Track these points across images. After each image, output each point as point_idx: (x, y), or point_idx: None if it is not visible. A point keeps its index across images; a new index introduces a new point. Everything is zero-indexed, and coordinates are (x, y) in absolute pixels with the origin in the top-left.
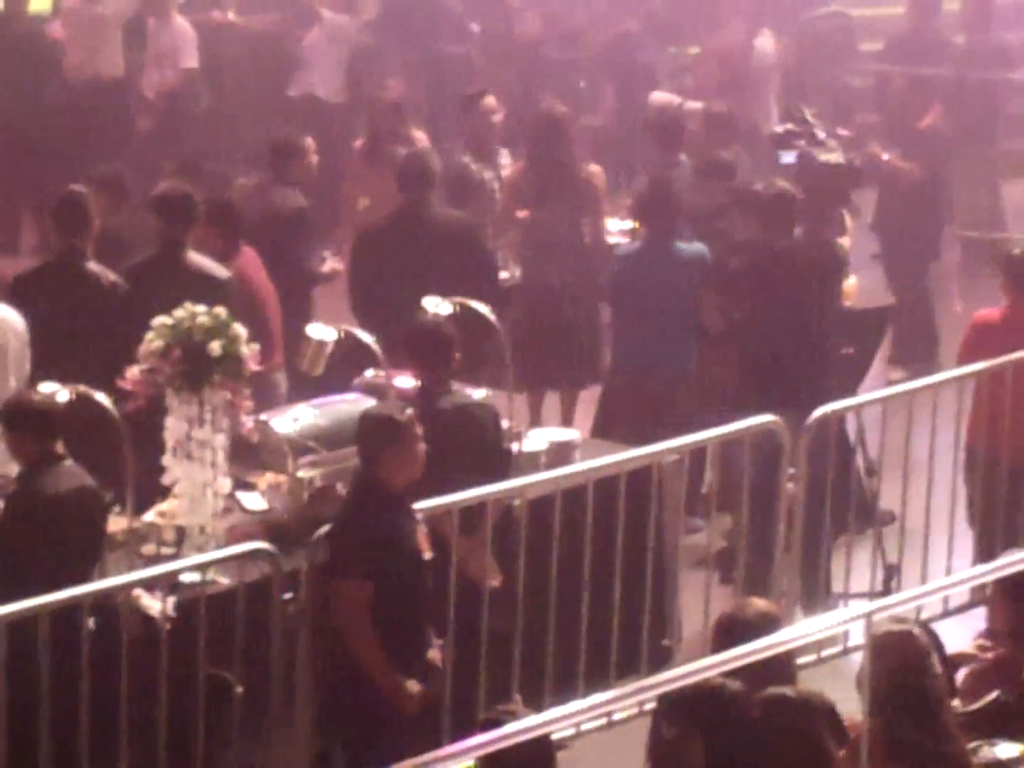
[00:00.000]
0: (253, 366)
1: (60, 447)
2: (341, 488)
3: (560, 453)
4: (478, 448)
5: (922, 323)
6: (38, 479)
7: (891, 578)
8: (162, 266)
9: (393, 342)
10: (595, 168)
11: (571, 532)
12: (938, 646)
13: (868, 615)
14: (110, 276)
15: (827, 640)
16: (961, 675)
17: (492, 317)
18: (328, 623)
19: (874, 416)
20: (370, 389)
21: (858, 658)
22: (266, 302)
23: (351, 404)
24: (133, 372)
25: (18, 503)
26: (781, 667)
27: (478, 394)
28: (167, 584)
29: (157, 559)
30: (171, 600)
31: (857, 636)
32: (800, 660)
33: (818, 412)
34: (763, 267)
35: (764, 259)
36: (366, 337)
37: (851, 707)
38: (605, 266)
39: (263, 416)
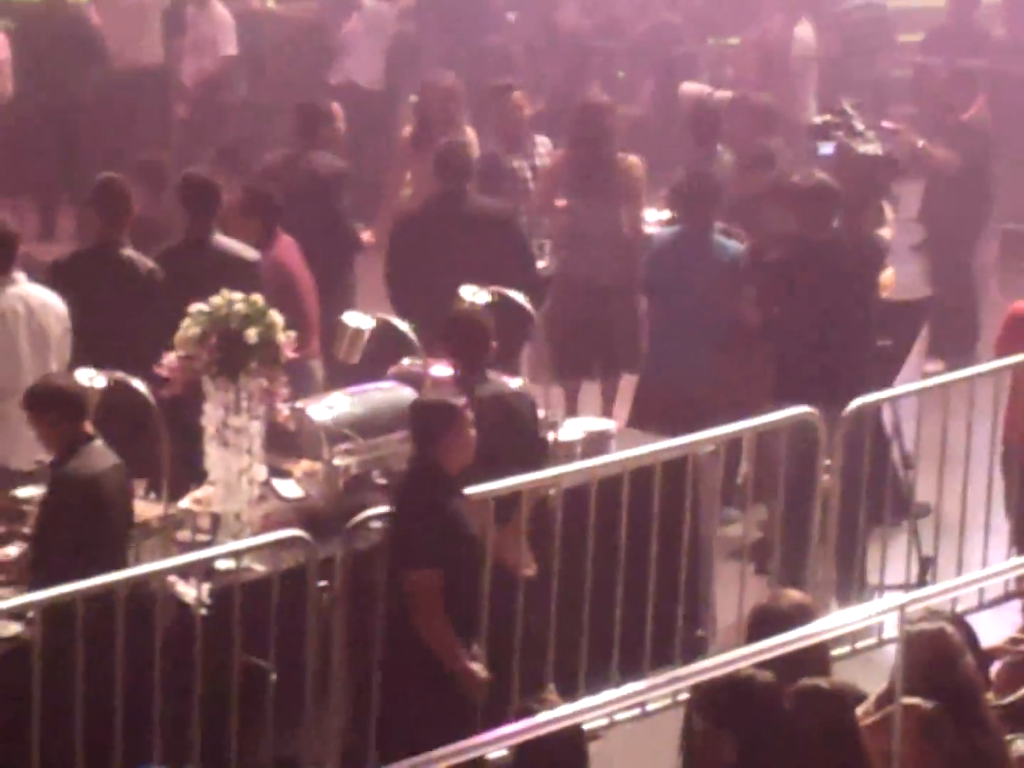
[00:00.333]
0: (289, 353)
1: (90, 426)
2: (376, 476)
3: (596, 443)
4: (514, 437)
5: (964, 315)
6: (79, 460)
7: (926, 570)
8: (190, 250)
9: (430, 331)
10: (634, 159)
11: (606, 522)
12: (972, 639)
13: (902, 607)
14: (147, 263)
15: (861, 632)
16: (995, 669)
17: (529, 306)
18: (390, 611)
19: (910, 408)
20: (406, 378)
21: (892, 650)
22: (303, 289)
23: (387, 392)
24: (170, 359)
25: (64, 485)
26: (815, 658)
27: (515, 383)
28: (202, 571)
29: (192, 546)
30: (206, 587)
31: (891, 628)
32: (834, 652)
33: (854, 404)
34: (802, 259)
35: (803, 251)
36: (402, 326)
37: None
38: (642, 257)
39: (299, 404)
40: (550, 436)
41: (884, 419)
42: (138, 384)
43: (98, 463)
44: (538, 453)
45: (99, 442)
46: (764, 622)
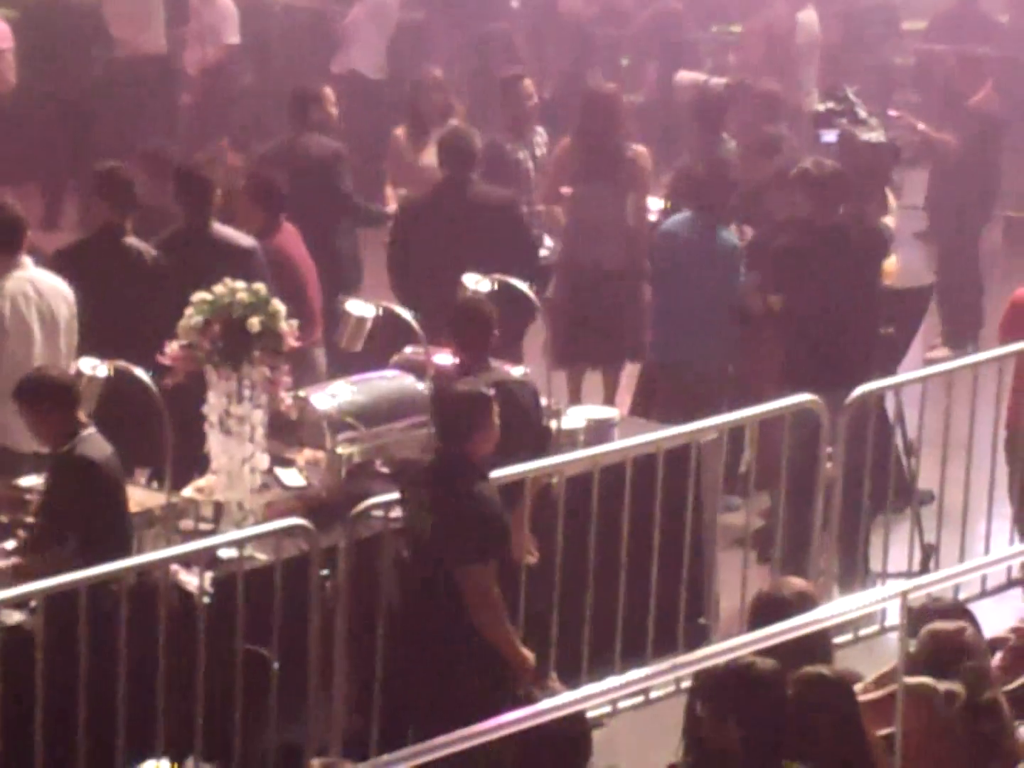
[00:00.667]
0: (292, 342)
1: (83, 416)
2: (379, 464)
3: (598, 431)
4: (517, 425)
5: (968, 302)
6: (82, 447)
7: (929, 557)
8: (187, 238)
9: (433, 319)
10: (641, 148)
11: (609, 510)
12: (975, 627)
13: (904, 594)
14: (151, 251)
15: (864, 619)
16: (997, 657)
17: (531, 295)
18: (439, 603)
19: (913, 395)
20: (409, 366)
21: (894, 637)
22: (305, 278)
23: (389, 381)
24: (173, 347)
25: (71, 468)
26: (817, 646)
27: (517, 371)
28: (205, 560)
29: (195, 535)
30: (208, 576)
31: (893, 615)
32: (837, 639)
33: (857, 391)
34: (808, 246)
35: (809, 238)
36: (405, 314)
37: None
38: (647, 245)
39: (302, 392)
40: (553, 424)
41: (887, 406)
42: (141, 373)
43: (101, 450)
44: (541, 441)
45: (94, 430)
46: (766, 609)
